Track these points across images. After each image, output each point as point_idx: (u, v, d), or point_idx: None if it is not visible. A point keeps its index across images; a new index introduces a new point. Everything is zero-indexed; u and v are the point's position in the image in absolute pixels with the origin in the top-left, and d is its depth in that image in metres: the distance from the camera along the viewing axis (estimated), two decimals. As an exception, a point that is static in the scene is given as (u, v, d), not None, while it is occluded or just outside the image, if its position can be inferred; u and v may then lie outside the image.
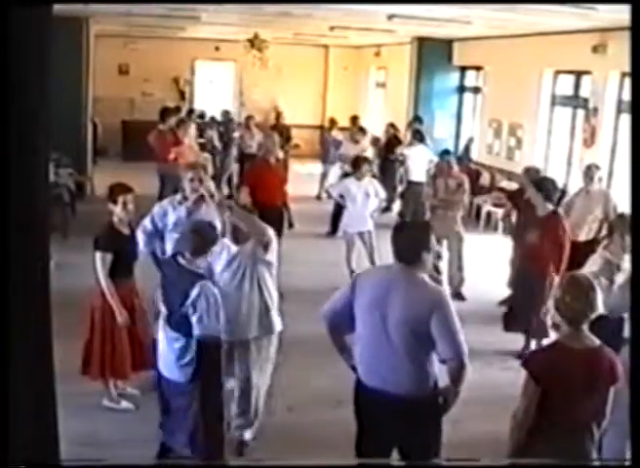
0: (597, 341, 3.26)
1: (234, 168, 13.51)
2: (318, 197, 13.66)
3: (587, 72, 10.06)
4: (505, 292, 7.75)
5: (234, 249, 4.70)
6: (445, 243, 8.31)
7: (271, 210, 6.95)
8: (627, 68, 3.33)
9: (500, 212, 11.20)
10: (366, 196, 8.27)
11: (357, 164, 8.45)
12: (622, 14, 5.74)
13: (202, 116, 16.10)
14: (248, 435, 4.85)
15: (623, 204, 6.93)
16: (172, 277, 4.28)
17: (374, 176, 9.79)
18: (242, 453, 4.77)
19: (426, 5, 8.13)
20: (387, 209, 11.27)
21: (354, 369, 3.73)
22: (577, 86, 10.62)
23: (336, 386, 5.03)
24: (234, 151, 13.52)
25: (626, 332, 4.40)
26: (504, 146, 12.49)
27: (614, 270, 4.94)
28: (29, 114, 2.17)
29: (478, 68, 13.80)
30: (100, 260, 4.98)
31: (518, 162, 11.42)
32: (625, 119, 9.18)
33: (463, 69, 14.44)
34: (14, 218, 2.14)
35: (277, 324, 4.82)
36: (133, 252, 5.24)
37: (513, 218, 8.68)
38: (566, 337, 3.26)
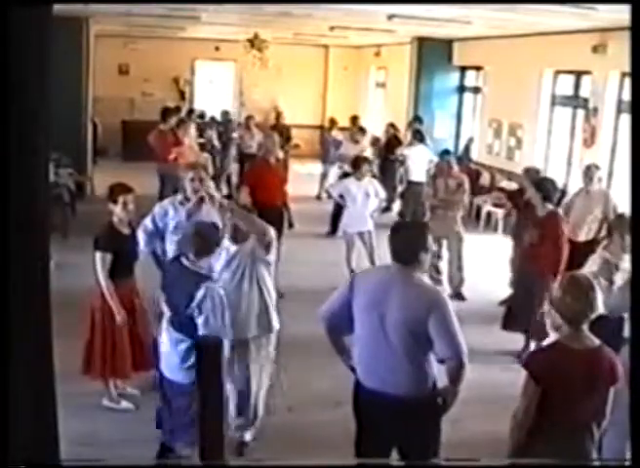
0: (597, 341, 3.25)
1: (233, 168, 13.52)
2: (318, 197, 13.66)
3: (587, 72, 10.06)
4: (506, 292, 7.75)
5: (233, 248, 4.70)
6: (445, 243, 8.33)
7: (271, 210, 6.96)
8: (627, 68, 3.32)
9: (499, 212, 11.21)
10: (366, 196, 8.27)
11: (357, 164, 8.45)
12: (622, 14, 5.74)
13: (202, 116, 16.11)
14: (248, 436, 4.86)
15: (623, 204, 6.93)
16: (175, 278, 4.28)
17: (374, 176, 9.79)
18: (242, 453, 4.77)
19: (426, 5, 8.13)
20: (387, 209, 11.27)
21: (353, 369, 3.73)
22: (577, 86, 10.62)
23: (336, 386, 5.03)
24: (233, 151, 13.53)
25: (626, 332, 4.39)
26: (504, 146, 12.49)
27: (613, 270, 4.95)
28: (29, 114, 2.17)
29: (478, 68, 13.80)
30: (100, 260, 4.98)
31: (518, 162, 11.42)
32: (625, 119, 9.18)
33: (463, 69, 14.44)
34: (14, 218, 2.13)
35: (276, 322, 4.82)
36: (133, 251, 5.24)
37: (513, 218, 8.68)
38: (566, 337, 3.25)
